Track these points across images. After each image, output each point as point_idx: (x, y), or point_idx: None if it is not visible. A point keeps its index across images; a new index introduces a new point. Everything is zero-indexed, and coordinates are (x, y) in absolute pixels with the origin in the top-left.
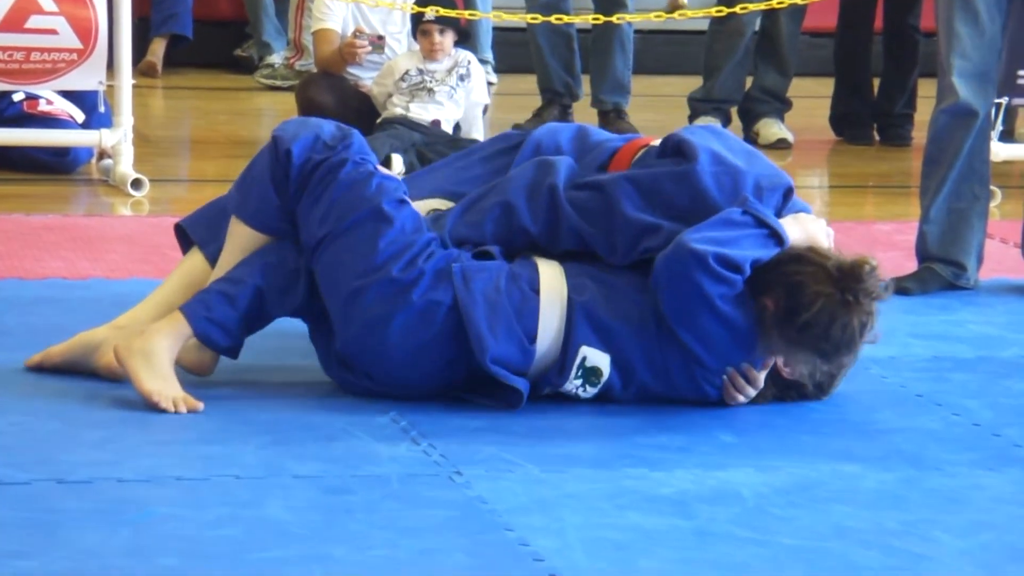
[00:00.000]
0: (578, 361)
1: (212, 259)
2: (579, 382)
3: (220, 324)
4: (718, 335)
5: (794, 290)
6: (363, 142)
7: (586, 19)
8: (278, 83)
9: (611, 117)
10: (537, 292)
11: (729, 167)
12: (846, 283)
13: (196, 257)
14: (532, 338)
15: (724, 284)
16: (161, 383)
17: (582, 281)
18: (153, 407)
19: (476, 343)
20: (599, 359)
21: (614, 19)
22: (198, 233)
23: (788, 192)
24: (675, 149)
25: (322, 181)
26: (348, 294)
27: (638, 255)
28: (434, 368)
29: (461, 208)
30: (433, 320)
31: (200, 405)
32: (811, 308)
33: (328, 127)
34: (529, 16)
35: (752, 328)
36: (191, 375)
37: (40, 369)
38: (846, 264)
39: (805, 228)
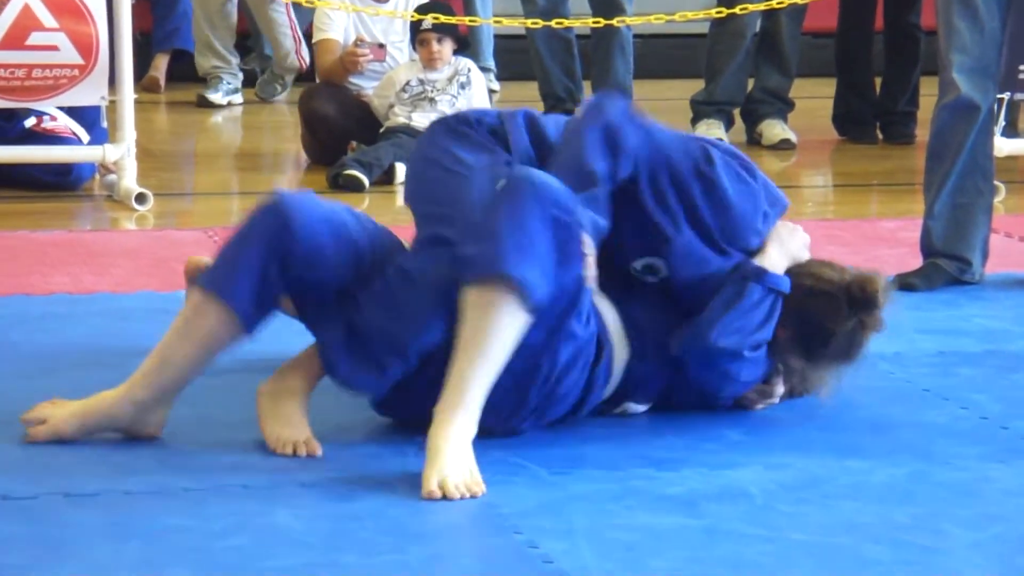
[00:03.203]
0: (618, 410)
1: None
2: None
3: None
4: (743, 386)
5: (810, 325)
6: None
7: (586, 23)
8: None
9: (556, 106)
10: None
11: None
12: (861, 310)
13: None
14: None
15: (755, 362)
16: (283, 428)
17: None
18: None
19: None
20: (636, 409)
21: (614, 23)
22: None
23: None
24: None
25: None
26: None
27: None
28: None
29: None
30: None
31: (318, 451)
32: (829, 341)
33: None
34: (529, 21)
35: (769, 358)
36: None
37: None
38: (857, 289)
39: (788, 250)
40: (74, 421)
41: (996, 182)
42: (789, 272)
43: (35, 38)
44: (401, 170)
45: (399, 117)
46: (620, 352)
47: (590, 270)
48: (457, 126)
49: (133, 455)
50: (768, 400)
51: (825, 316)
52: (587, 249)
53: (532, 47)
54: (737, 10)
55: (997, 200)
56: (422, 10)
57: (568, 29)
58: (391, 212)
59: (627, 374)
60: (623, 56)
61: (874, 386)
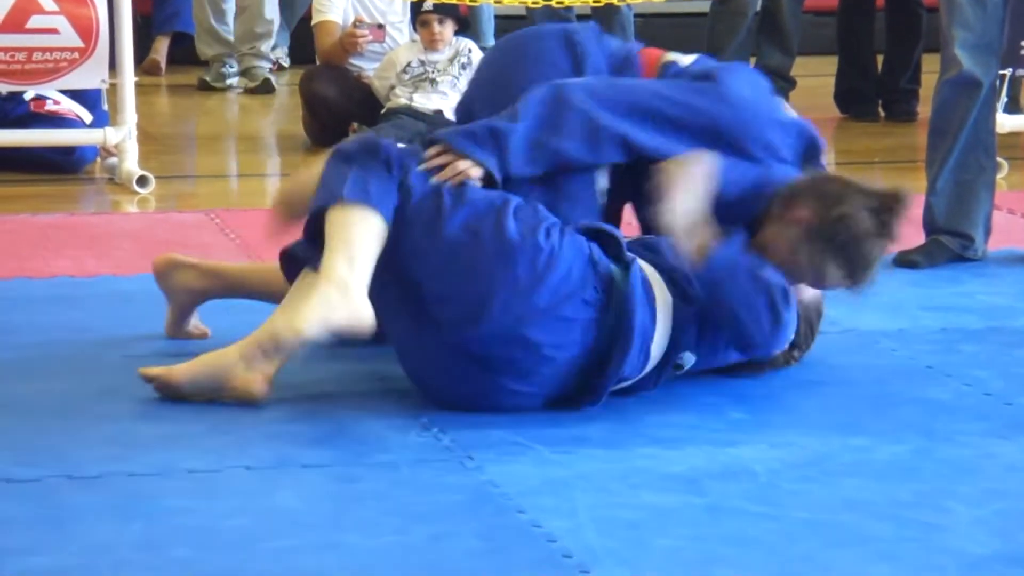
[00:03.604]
0: (672, 363)
1: None
2: (662, 382)
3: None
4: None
5: (836, 202)
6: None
7: (587, 1)
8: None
9: None
10: (653, 304)
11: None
12: (885, 210)
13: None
14: (648, 352)
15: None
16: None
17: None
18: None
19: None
20: (688, 359)
21: (615, 1)
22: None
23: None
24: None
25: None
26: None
27: None
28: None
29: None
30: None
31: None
32: (853, 222)
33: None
34: (530, 1)
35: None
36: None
37: (163, 389)
38: (886, 193)
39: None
40: (187, 374)
41: (998, 159)
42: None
43: (35, 21)
44: None
45: (400, 98)
46: (661, 294)
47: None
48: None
49: (136, 436)
50: (791, 359)
51: (849, 197)
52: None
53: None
54: None
55: (999, 177)
56: None
57: (568, 9)
58: None
59: (674, 320)
60: (623, 35)
61: (877, 363)
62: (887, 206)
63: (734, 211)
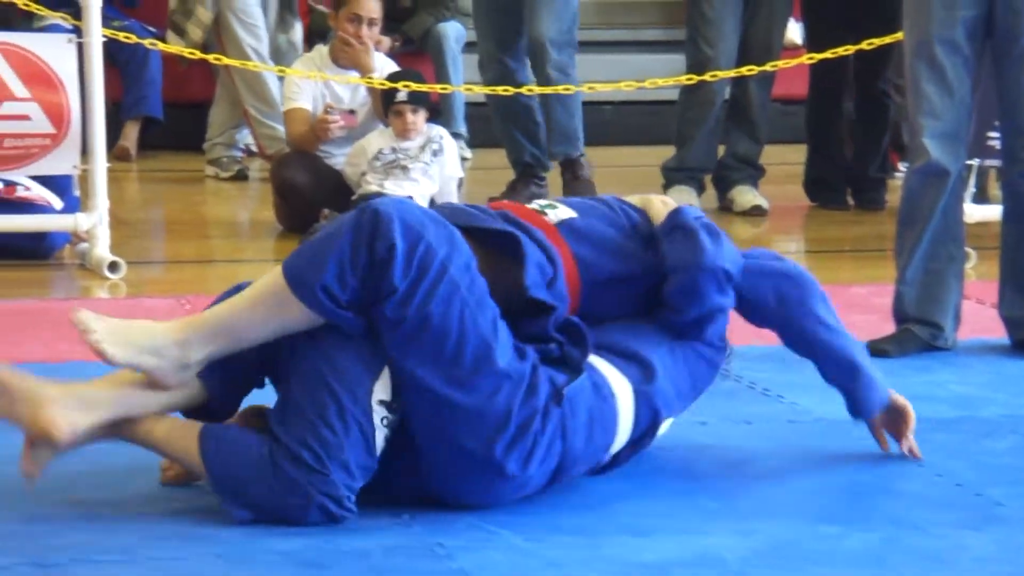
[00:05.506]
0: (650, 436)
1: None
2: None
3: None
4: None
5: None
6: None
7: (533, 90)
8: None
9: (565, 168)
10: (612, 396)
11: None
12: None
13: None
14: (608, 448)
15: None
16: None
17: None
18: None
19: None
20: (666, 426)
21: (584, 88)
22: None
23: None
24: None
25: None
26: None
27: None
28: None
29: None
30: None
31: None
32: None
33: None
34: (488, 88)
35: None
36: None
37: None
38: None
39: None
40: (119, 338)
41: (967, 248)
42: None
43: (6, 108)
44: None
45: (371, 185)
46: (620, 384)
47: None
48: None
49: (104, 522)
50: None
51: None
52: None
53: (495, 117)
54: (707, 77)
55: (968, 266)
56: (394, 78)
57: (529, 97)
58: None
59: (642, 401)
60: (563, 105)
61: (847, 451)
62: None
63: None
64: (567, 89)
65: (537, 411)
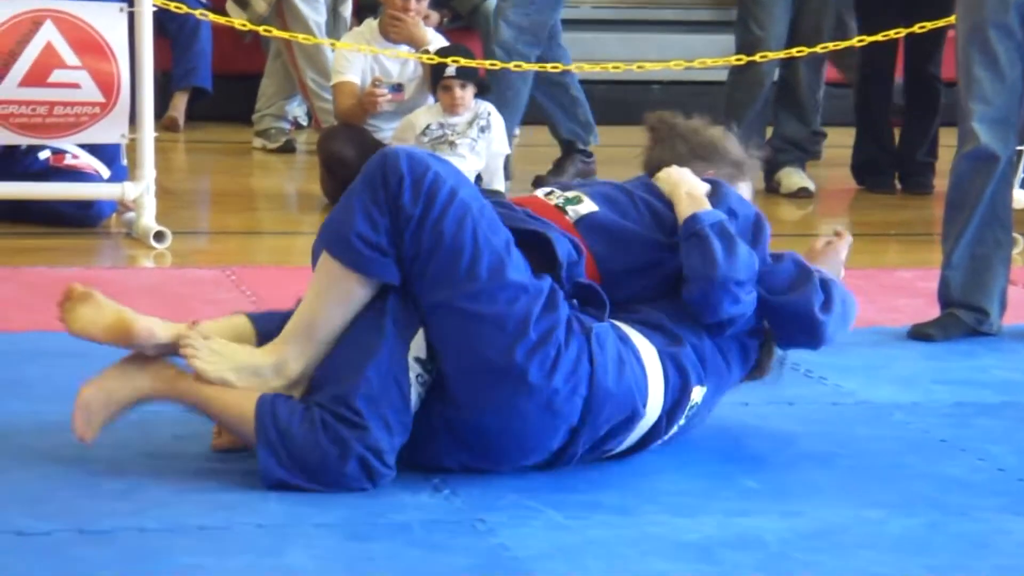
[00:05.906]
0: (685, 405)
1: None
2: (682, 422)
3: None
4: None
5: None
6: None
7: (605, 68)
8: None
9: (570, 150)
10: (638, 352)
11: None
12: None
13: None
14: (644, 401)
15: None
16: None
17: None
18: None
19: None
20: (698, 394)
21: (634, 67)
22: None
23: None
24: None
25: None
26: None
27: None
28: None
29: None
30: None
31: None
32: None
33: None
34: (537, 66)
35: None
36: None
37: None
38: None
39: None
40: (224, 364)
41: (1015, 234)
42: None
43: (57, 75)
44: None
45: None
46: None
47: None
48: None
49: (148, 491)
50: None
51: None
52: None
53: (535, 95)
54: (757, 58)
55: (1015, 252)
56: (443, 53)
57: (565, 73)
58: None
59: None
60: (567, 92)
61: (890, 436)
62: None
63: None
64: (615, 67)
65: (558, 324)
